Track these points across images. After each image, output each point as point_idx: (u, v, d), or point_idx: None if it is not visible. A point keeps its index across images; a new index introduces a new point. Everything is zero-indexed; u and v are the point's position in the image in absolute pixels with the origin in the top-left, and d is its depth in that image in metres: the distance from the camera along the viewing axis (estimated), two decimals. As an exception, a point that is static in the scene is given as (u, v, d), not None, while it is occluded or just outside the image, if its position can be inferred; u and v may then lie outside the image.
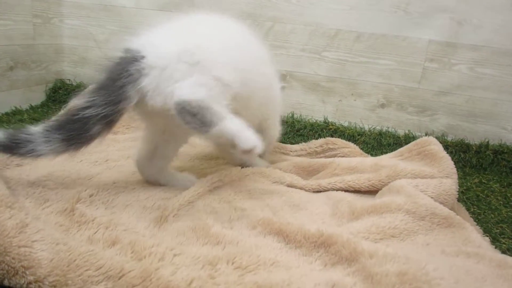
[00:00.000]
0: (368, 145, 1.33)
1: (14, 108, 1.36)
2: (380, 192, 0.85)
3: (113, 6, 1.48)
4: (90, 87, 0.71)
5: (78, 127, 0.67)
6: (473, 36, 1.25)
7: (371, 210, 0.75)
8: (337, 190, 0.89)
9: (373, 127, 1.39)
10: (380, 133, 1.36)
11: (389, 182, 0.87)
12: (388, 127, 1.38)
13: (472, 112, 1.31)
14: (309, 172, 0.98)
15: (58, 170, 0.85)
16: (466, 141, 1.30)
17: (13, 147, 0.67)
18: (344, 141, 1.13)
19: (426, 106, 1.34)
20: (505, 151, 1.25)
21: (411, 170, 0.89)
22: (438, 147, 0.93)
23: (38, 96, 1.48)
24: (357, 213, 0.76)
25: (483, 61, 1.26)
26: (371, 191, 0.89)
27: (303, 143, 1.16)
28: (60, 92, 1.52)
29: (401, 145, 1.34)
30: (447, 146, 1.30)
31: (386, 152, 1.29)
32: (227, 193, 0.81)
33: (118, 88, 0.67)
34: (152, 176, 0.84)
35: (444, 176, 0.85)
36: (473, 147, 1.29)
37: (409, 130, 1.36)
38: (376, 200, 0.79)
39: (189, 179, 0.88)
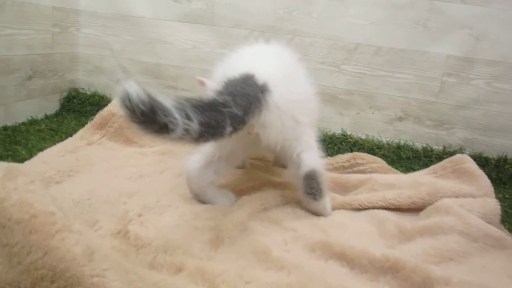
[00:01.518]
0: (388, 159, 1.34)
1: (30, 118, 1.34)
2: (425, 211, 0.86)
3: (131, 16, 1.47)
4: (222, 88, 0.71)
5: (217, 118, 0.63)
6: (491, 52, 1.28)
7: (423, 231, 0.76)
8: (377, 209, 0.90)
9: (391, 140, 1.41)
10: (399, 146, 1.38)
11: (430, 200, 0.89)
12: (405, 140, 1.40)
13: (489, 126, 1.34)
14: (346, 188, 0.99)
15: (98, 187, 0.84)
16: (484, 155, 1.34)
17: (153, 113, 0.56)
18: (372, 156, 1.14)
19: (443, 120, 1.37)
20: (524, 165, 1.29)
21: (451, 188, 0.90)
22: (473, 165, 0.95)
23: (52, 106, 1.46)
24: (408, 233, 0.77)
25: (500, 76, 1.30)
26: (411, 209, 0.91)
27: (329, 158, 1.17)
28: (74, 101, 1.50)
29: (420, 159, 1.37)
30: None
31: (405, 166, 1.33)
32: (274, 214, 0.82)
33: (250, 102, 0.69)
34: (200, 188, 0.84)
35: (483, 194, 0.87)
36: (492, 161, 1.32)
37: (427, 144, 1.39)
38: (426, 221, 0.79)
39: (228, 197, 0.88)
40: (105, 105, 1.46)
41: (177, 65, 1.48)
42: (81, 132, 1.08)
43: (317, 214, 0.87)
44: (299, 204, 0.89)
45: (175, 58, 1.47)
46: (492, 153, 1.35)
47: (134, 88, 0.54)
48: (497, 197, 1.12)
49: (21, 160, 1.01)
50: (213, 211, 0.80)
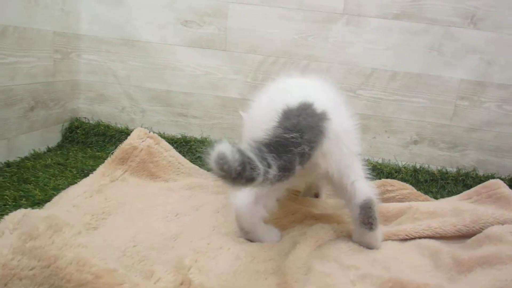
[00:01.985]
0: (407, 182, 1.33)
1: (33, 152, 1.23)
2: (475, 239, 0.85)
3: (137, 41, 1.41)
4: (284, 120, 0.70)
5: (291, 159, 0.63)
6: (501, 76, 1.32)
7: (482, 262, 0.75)
8: (424, 238, 0.88)
9: (407, 163, 1.41)
10: (415, 170, 1.38)
11: (473, 227, 0.89)
12: (421, 164, 1.41)
13: (501, 148, 1.37)
14: (387, 218, 0.97)
15: (138, 231, 0.77)
16: (497, 176, 1.36)
17: (244, 170, 0.57)
18: (401, 182, 1.13)
19: (457, 142, 1.39)
20: (532, 183, 1.32)
21: (492, 214, 0.90)
22: (508, 190, 0.96)
23: (54, 137, 1.36)
24: (467, 264, 0.75)
25: (510, 99, 1.34)
26: (454, 236, 0.90)
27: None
28: (77, 132, 1.40)
29: (437, 181, 1.38)
30: (480, 181, 1.34)
31: (424, 189, 1.32)
32: (330, 250, 0.78)
33: (315, 135, 0.68)
34: (252, 225, 0.80)
35: None
36: (505, 181, 1.33)
37: (442, 166, 1.40)
38: (481, 250, 0.78)
39: (275, 232, 0.84)
40: (112, 135, 1.40)
41: (188, 92, 1.43)
42: (102, 169, 1.00)
43: (368, 246, 0.83)
44: (349, 237, 0.86)
45: (186, 85, 1.42)
46: (504, 173, 1.38)
47: (229, 149, 0.54)
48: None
49: (37, 201, 0.92)
50: (269, 251, 0.75)
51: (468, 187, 1.36)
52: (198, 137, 1.43)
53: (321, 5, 1.31)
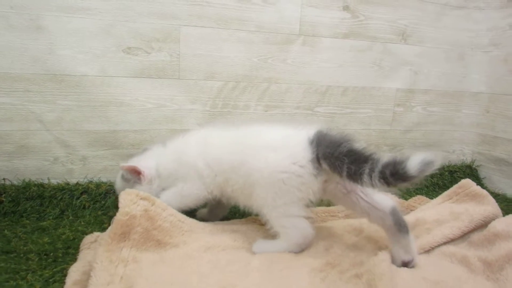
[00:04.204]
0: (366, 187, 1.45)
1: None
2: (483, 238, 0.95)
3: (67, 75, 1.14)
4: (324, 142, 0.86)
5: None
6: (425, 83, 1.53)
7: (508, 259, 0.85)
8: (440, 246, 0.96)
9: (360, 169, 1.52)
10: (369, 174, 1.50)
11: (471, 225, 1.01)
12: (372, 167, 1.53)
13: (427, 143, 1.60)
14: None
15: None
16: (428, 167, 1.58)
17: None
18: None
19: (396, 144, 1.56)
20: (457, 169, 1.58)
21: (479, 211, 1.04)
22: (478, 187, 1.12)
23: (-32, 214, 1.01)
24: (496, 265, 0.85)
25: (432, 102, 1.56)
26: (458, 238, 1.01)
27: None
28: (1, 199, 1.07)
29: (388, 181, 1.53)
30: (418, 174, 1.54)
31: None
32: (399, 284, 0.78)
33: None
34: None
35: (497, 211, 1.04)
36: (436, 171, 1.56)
37: (388, 166, 1.55)
38: (503, 249, 0.89)
39: None
40: (52, 195, 1.13)
41: (139, 129, 1.23)
42: (105, 254, 0.78)
43: (407, 250, 0.87)
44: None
45: (136, 121, 1.22)
46: (431, 164, 1.61)
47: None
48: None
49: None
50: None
51: (409, 182, 1.55)
52: (159, 178, 1.25)
53: (279, 26, 1.28)
